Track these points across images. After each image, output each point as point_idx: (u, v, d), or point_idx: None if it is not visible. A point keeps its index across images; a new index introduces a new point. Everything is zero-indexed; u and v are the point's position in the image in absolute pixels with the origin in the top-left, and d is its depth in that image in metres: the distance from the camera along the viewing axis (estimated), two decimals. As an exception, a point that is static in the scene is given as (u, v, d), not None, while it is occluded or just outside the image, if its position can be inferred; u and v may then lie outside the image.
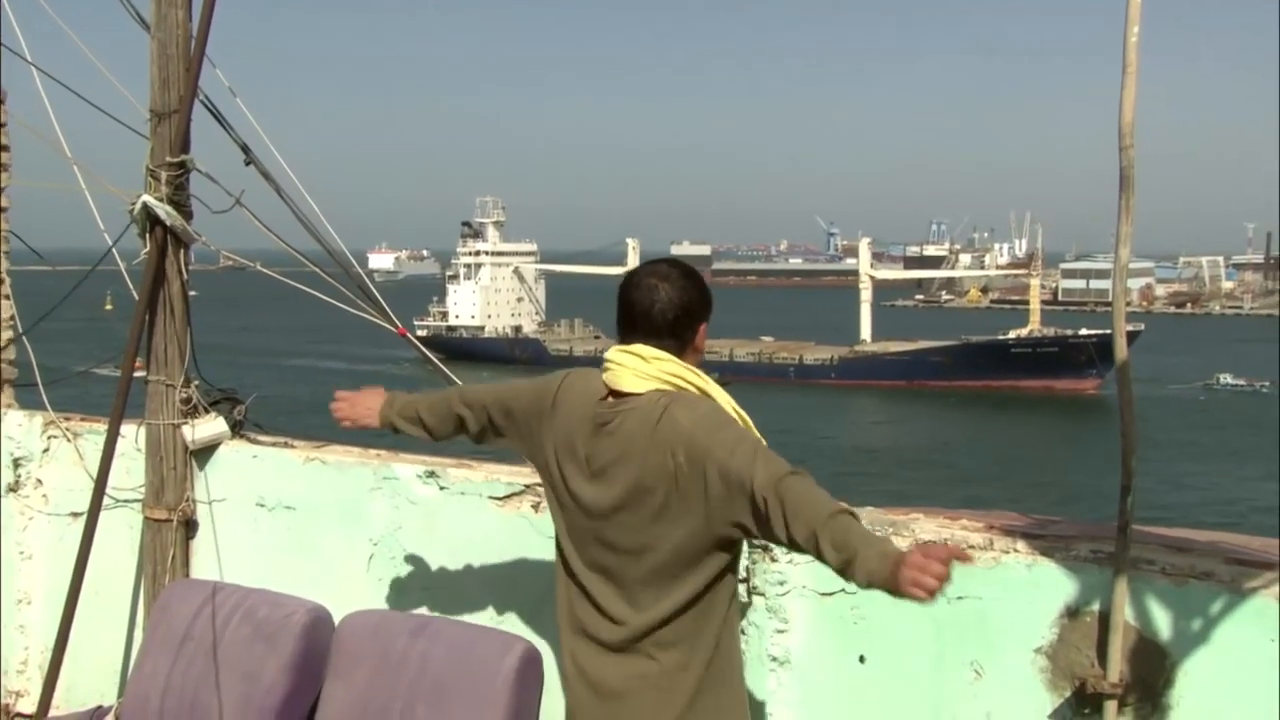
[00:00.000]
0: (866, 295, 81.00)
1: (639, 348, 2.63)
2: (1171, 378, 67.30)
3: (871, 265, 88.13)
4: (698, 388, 2.62)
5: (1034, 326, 73.54)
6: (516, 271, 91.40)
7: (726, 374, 68.07)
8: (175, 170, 3.89)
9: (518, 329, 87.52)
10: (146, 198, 3.87)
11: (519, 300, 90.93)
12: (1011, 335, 70.23)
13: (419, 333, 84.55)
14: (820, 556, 2.32)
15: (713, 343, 74.88)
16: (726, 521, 2.49)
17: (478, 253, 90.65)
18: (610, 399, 2.64)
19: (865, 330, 77.91)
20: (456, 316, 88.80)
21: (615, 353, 2.66)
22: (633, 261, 78.62)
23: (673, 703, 2.56)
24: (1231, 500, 36.86)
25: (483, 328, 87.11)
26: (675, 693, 2.56)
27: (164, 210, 3.86)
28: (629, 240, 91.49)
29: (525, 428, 2.83)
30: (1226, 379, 67.62)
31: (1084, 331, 66.98)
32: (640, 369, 2.60)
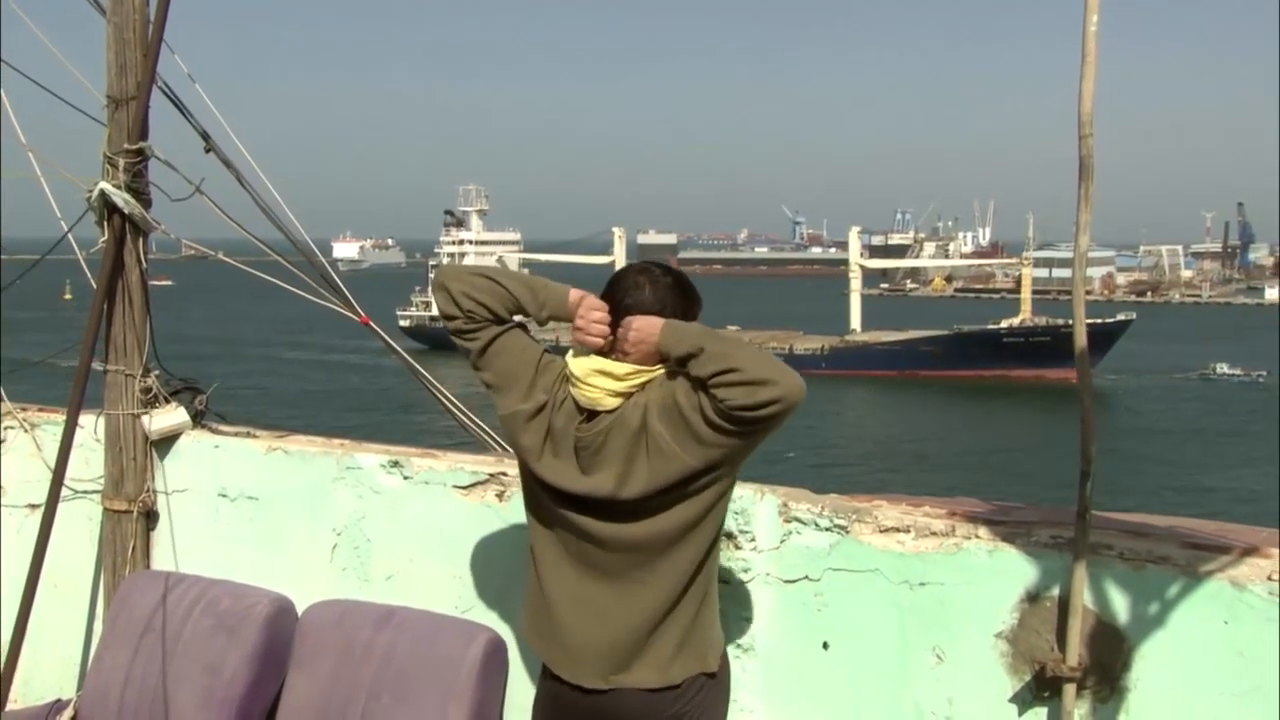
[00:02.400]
0: (856, 285, 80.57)
1: (610, 365, 2.61)
2: (1165, 367, 67.73)
3: (862, 254, 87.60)
4: None
5: (1025, 316, 73.62)
6: (500, 261, 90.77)
7: None
8: (133, 157, 3.84)
9: None
10: (104, 185, 3.81)
11: None
12: (1004, 325, 70.21)
13: (402, 323, 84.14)
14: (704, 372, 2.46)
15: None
16: (713, 443, 2.50)
17: (461, 242, 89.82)
18: (587, 420, 2.63)
19: (855, 320, 77.65)
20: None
21: (588, 372, 2.62)
22: (618, 250, 77.94)
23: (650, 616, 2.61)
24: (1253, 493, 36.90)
25: None
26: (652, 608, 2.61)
27: (122, 198, 3.81)
28: (615, 229, 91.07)
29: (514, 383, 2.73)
30: (1223, 368, 67.64)
31: None
32: (612, 388, 2.60)
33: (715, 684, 2.68)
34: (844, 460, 43.59)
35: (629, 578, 2.62)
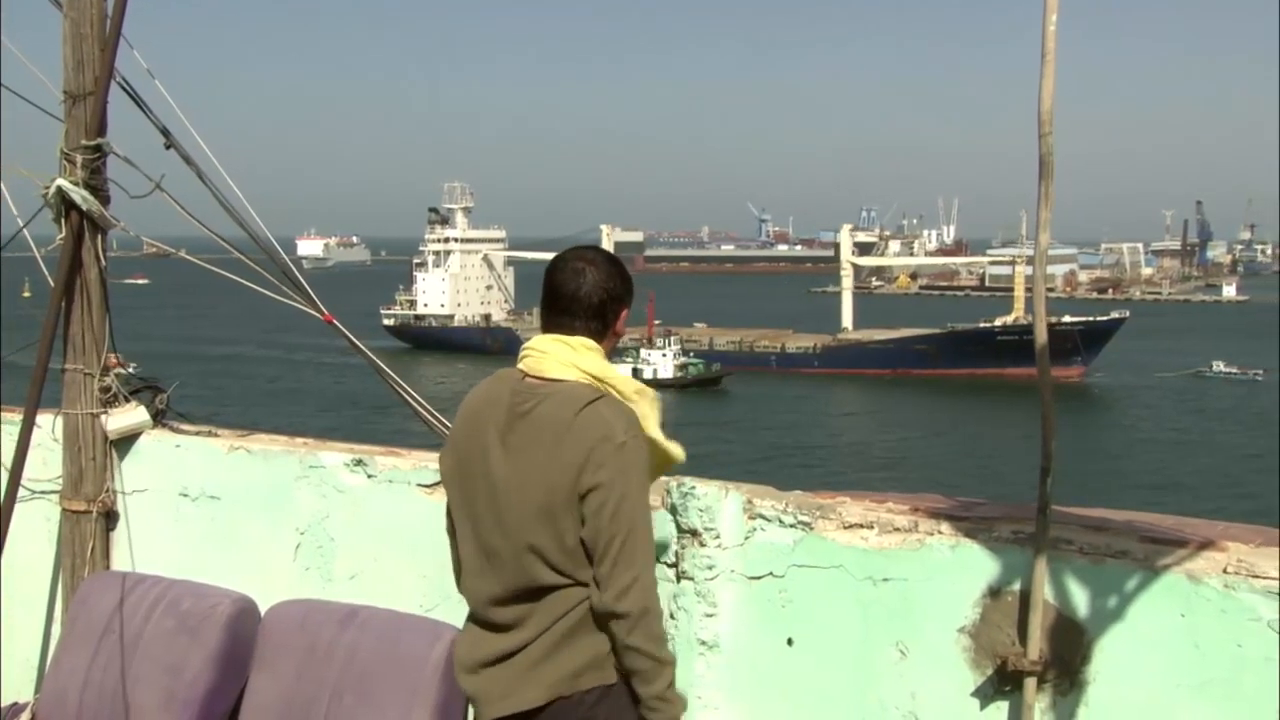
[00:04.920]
0: (848, 283, 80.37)
1: (568, 338, 2.65)
2: (1158, 365, 68.07)
3: (853, 251, 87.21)
4: (620, 393, 2.65)
5: (1018, 314, 73.77)
6: (485, 259, 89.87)
7: (720, 364, 67.68)
8: (91, 154, 3.80)
9: (487, 317, 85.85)
10: (61, 182, 3.77)
11: (488, 288, 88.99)
12: (997, 323, 70.19)
13: (386, 322, 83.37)
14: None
15: (691, 330, 74.59)
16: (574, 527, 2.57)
17: (446, 240, 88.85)
18: (528, 381, 2.65)
19: (847, 318, 77.45)
20: (425, 305, 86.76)
21: (543, 340, 2.68)
22: (608, 249, 77.55)
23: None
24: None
25: (452, 316, 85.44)
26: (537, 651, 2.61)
27: (80, 195, 3.77)
28: (603, 227, 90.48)
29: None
30: (1219, 367, 67.90)
31: (1067, 319, 67.42)
32: (566, 358, 2.63)
33: (612, 695, 2.62)
34: (834, 462, 43.71)
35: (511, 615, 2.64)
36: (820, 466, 41.49)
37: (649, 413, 2.68)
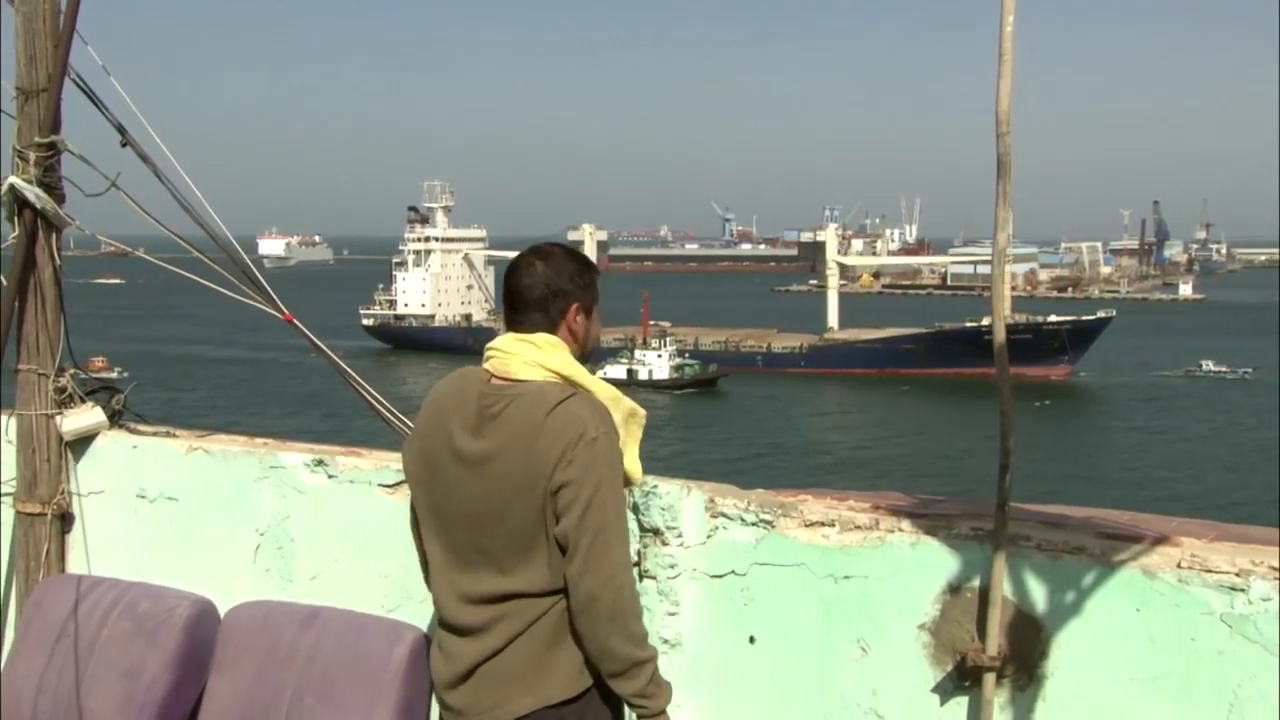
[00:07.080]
0: (834, 282, 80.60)
1: (530, 335, 2.64)
2: (1146, 364, 68.69)
3: (839, 251, 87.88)
4: (589, 390, 2.65)
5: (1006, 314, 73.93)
6: (466, 258, 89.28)
7: (715, 364, 67.49)
8: (45, 151, 3.75)
9: (468, 317, 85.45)
10: (14, 179, 3.72)
11: (469, 288, 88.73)
12: (985, 322, 70.28)
13: (365, 322, 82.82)
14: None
15: (677, 330, 74.50)
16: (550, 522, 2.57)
17: (427, 239, 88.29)
18: (495, 382, 2.64)
19: (832, 318, 77.74)
20: (405, 305, 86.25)
21: (506, 340, 2.66)
22: (588, 249, 77.53)
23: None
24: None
25: (433, 316, 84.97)
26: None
27: (33, 193, 3.72)
28: (585, 226, 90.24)
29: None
30: (1209, 365, 68.88)
31: (1053, 318, 67.84)
32: (531, 357, 2.62)
33: (593, 698, 2.63)
34: (821, 462, 43.80)
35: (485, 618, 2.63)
36: (803, 470, 41.68)
37: (632, 434, 2.69)
